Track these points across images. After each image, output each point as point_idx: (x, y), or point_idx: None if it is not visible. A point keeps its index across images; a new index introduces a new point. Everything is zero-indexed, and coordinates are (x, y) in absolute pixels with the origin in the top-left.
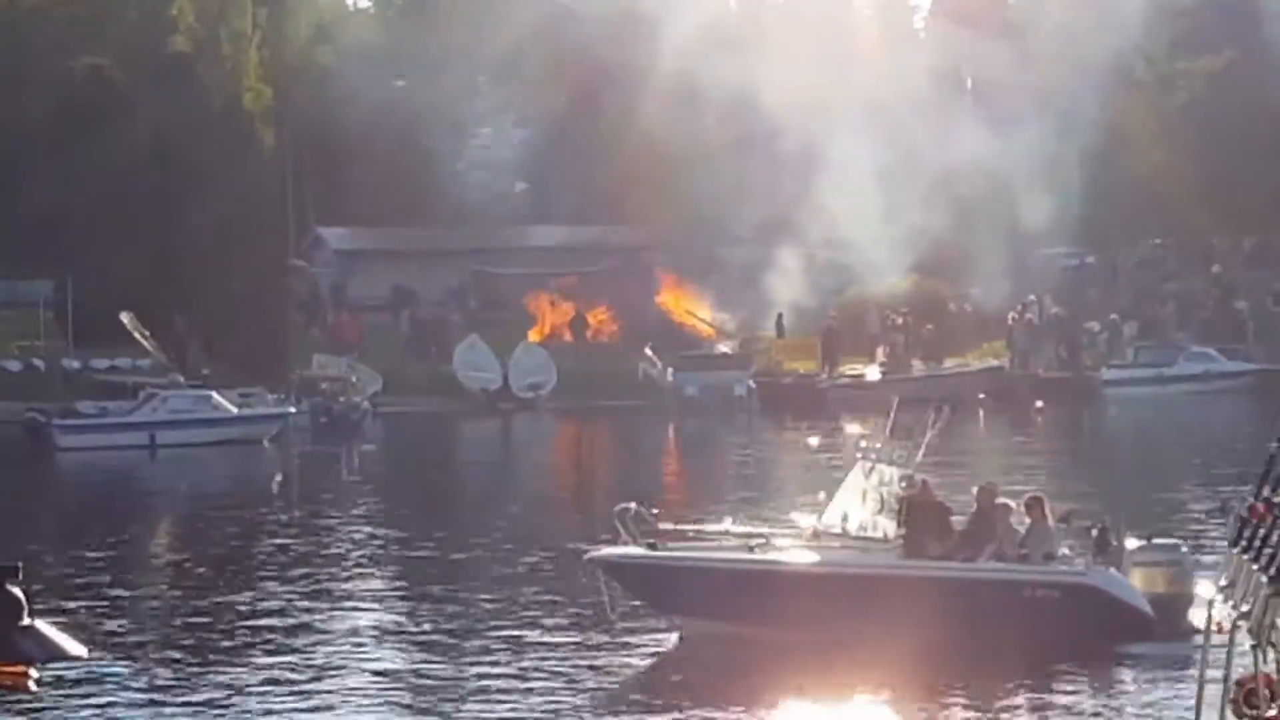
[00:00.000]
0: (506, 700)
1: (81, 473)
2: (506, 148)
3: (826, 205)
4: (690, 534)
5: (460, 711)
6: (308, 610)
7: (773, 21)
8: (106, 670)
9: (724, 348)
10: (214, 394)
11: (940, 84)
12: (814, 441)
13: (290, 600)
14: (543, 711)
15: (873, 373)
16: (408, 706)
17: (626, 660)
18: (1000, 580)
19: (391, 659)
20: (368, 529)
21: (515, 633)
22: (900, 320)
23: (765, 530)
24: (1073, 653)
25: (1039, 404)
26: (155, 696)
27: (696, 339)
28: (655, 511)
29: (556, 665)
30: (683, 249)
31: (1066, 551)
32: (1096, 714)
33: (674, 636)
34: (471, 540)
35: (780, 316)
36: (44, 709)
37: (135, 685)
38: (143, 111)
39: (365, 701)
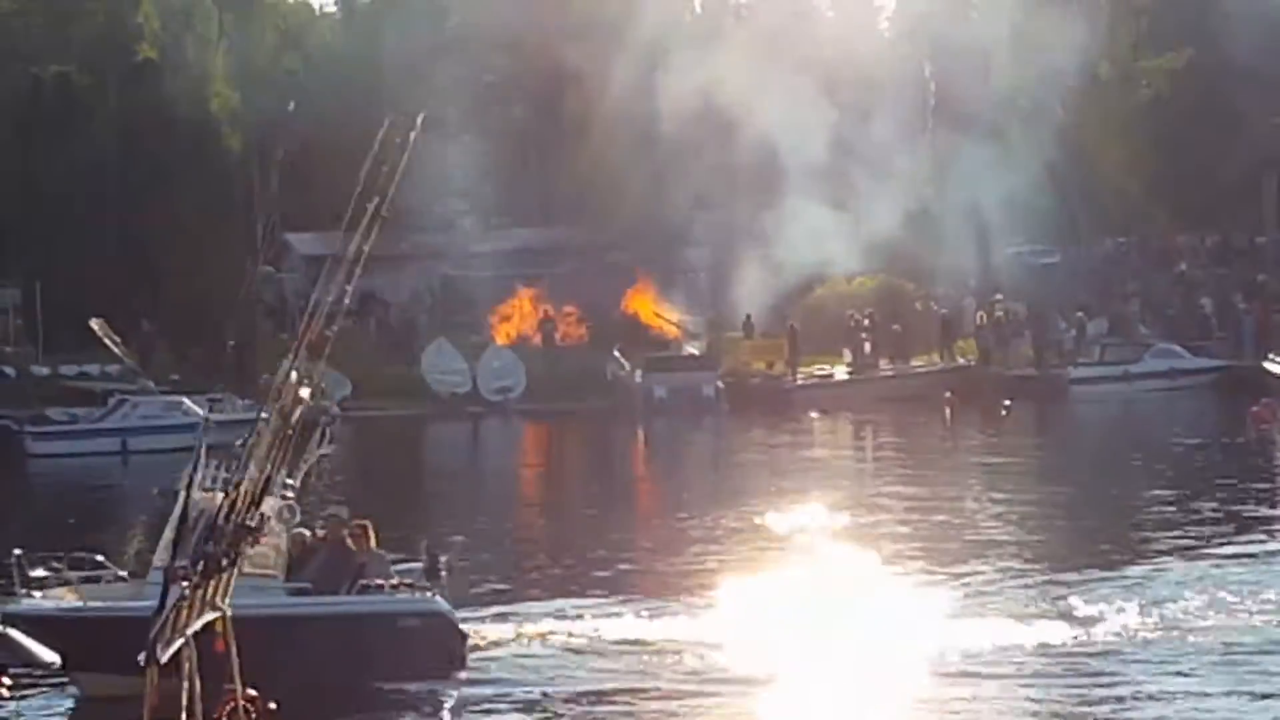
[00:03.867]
0: None
1: (54, 479)
2: (471, 151)
3: (791, 205)
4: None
5: None
6: None
7: (736, 21)
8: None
9: (692, 349)
10: (185, 400)
11: (904, 83)
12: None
13: None
14: None
15: (840, 372)
16: None
17: None
18: (371, 613)
19: None
20: None
21: None
22: (866, 320)
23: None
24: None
25: (1007, 402)
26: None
27: (664, 340)
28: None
29: None
30: (648, 250)
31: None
32: None
33: (71, 694)
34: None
35: (749, 317)
36: (14, 714)
37: None
38: (109, 118)
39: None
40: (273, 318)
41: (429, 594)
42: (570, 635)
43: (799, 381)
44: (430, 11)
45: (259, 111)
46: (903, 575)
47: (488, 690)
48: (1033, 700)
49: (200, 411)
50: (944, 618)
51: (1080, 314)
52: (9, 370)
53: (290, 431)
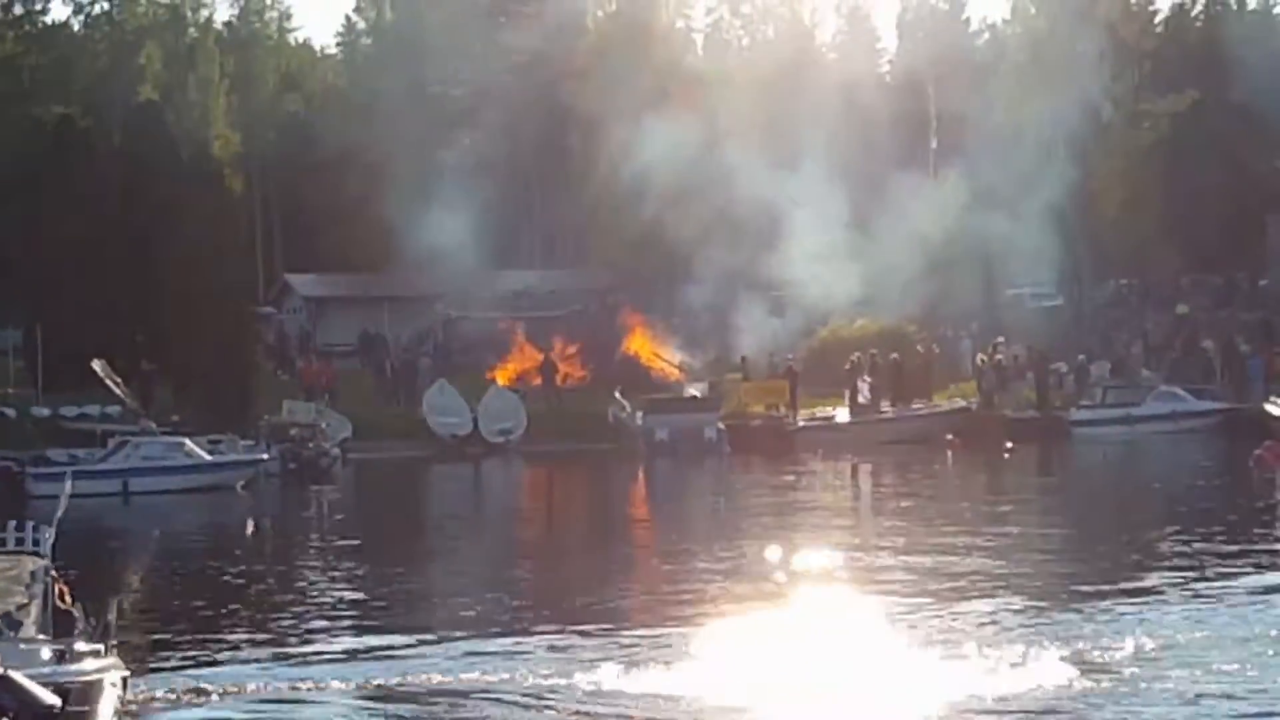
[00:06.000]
0: None
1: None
2: (472, 192)
3: (792, 247)
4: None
5: None
6: (277, 653)
7: (738, 65)
8: None
9: (693, 390)
10: (186, 441)
11: (907, 127)
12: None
13: (260, 644)
14: None
15: (842, 414)
16: None
17: None
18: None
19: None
20: (331, 576)
21: None
22: (868, 362)
23: None
24: None
25: (1008, 444)
26: None
27: (665, 382)
28: None
29: None
30: (649, 291)
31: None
32: None
33: None
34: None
35: (744, 358)
36: None
37: None
38: (111, 159)
39: None
40: (273, 358)
41: (102, 654)
42: (541, 683)
43: (800, 423)
44: (431, 55)
45: (261, 153)
46: (899, 616)
47: None
48: None
49: (204, 455)
50: (940, 658)
51: (1082, 356)
52: (9, 411)
53: None
